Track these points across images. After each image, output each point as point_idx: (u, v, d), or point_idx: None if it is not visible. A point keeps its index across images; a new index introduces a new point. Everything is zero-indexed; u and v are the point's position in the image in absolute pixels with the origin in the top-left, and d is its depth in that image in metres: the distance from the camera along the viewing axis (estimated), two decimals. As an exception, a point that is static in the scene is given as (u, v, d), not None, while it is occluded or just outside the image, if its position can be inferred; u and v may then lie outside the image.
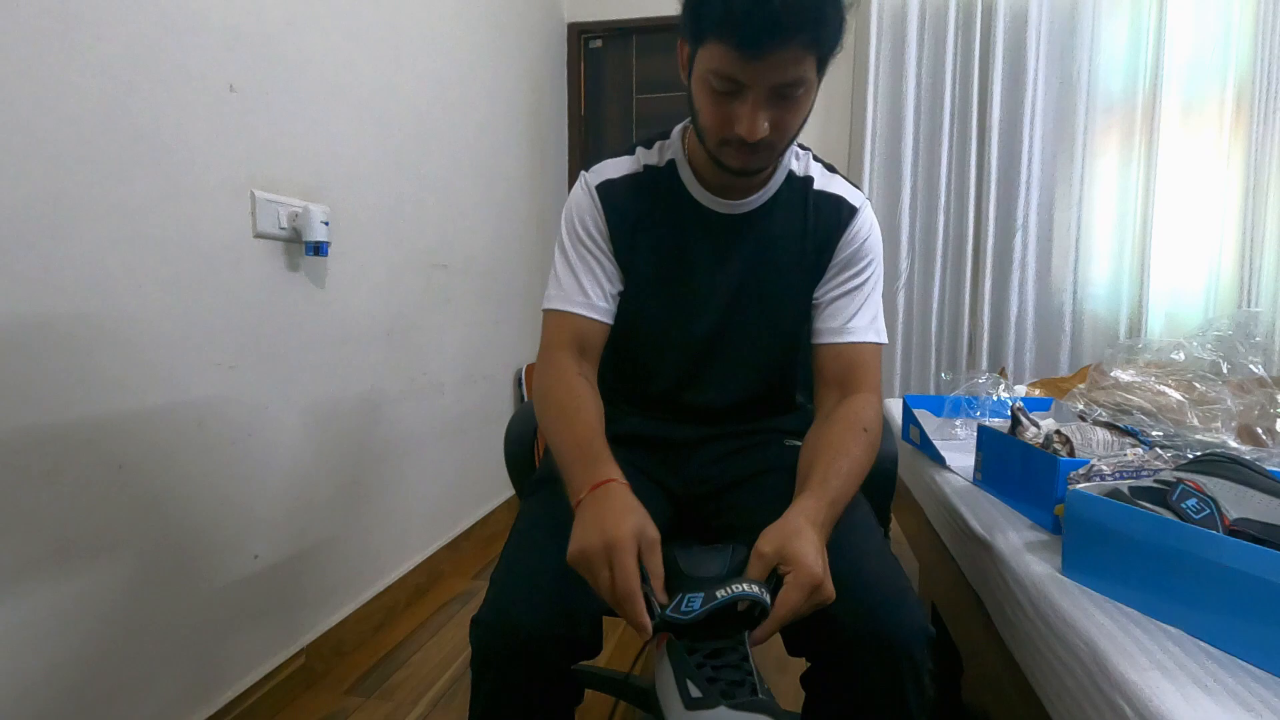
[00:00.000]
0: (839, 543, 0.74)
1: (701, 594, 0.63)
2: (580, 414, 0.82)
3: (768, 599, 0.64)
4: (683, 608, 0.62)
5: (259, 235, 1.29)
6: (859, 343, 0.92)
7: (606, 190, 0.93)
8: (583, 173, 0.96)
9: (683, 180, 0.93)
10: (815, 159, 0.96)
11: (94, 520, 1.00)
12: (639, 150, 0.96)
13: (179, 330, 1.13)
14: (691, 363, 0.97)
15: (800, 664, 0.76)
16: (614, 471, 0.73)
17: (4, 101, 0.87)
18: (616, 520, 0.66)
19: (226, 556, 1.24)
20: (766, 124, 0.76)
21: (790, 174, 0.94)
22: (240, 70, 1.24)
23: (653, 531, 0.67)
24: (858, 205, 0.94)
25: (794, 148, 0.93)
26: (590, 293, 0.91)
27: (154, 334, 1.08)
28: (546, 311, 0.93)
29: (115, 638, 1.04)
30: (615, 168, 0.95)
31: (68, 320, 0.96)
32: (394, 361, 1.76)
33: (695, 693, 0.60)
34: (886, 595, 0.71)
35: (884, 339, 0.95)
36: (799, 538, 0.66)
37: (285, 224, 1.34)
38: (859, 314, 0.93)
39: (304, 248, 1.39)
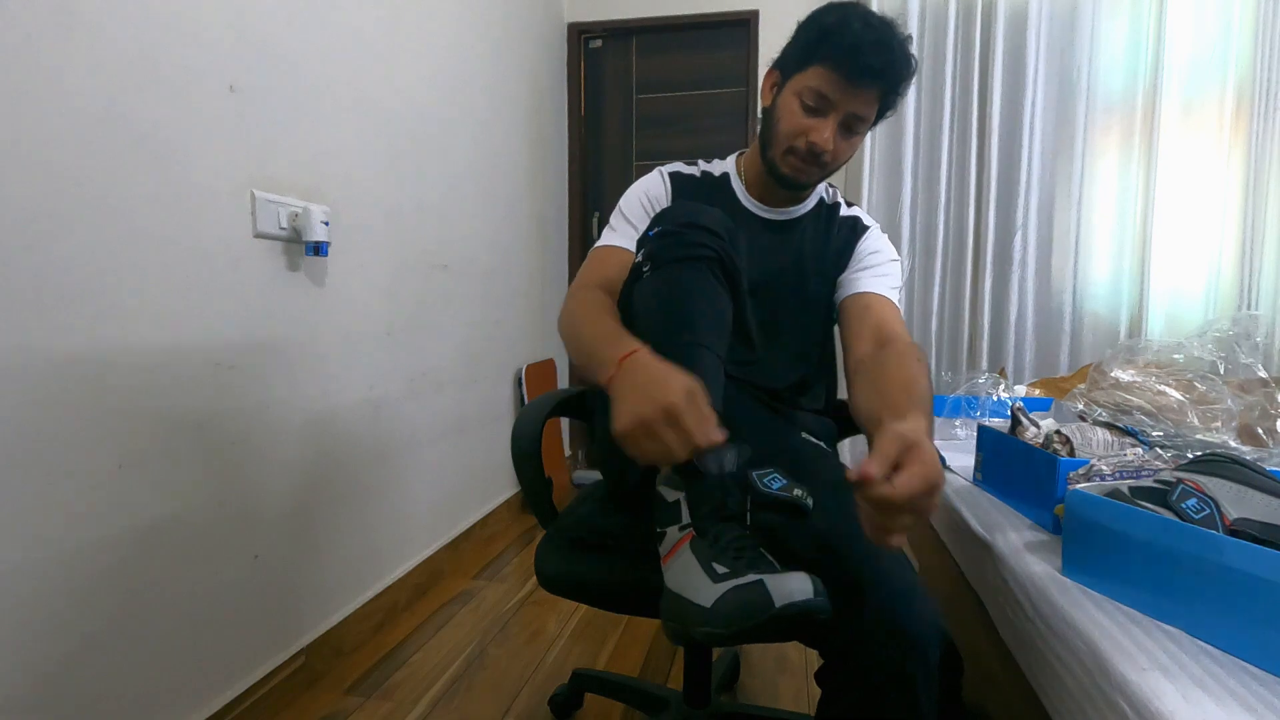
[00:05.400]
0: (852, 539, 0.74)
1: (776, 473, 0.69)
2: (599, 314, 0.86)
3: (809, 502, 0.77)
4: (763, 482, 0.69)
5: (259, 235, 1.29)
6: (883, 296, 1.04)
7: (676, 178, 1.11)
8: (658, 168, 1.13)
9: (734, 187, 1.11)
10: (840, 196, 1.16)
11: (94, 520, 1.00)
12: (691, 163, 1.14)
13: (179, 330, 1.13)
14: (744, 343, 0.99)
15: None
16: (638, 344, 0.74)
17: (4, 102, 0.87)
18: (665, 379, 0.67)
19: (226, 556, 1.24)
20: (832, 141, 0.95)
21: (820, 200, 1.13)
22: (240, 70, 1.24)
23: (696, 383, 0.68)
24: (869, 224, 1.13)
25: (826, 184, 1.13)
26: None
27: (154, 334, 1.08)
28: (592, 251, 1.05)
29: (115, 637, 1.04)
30: (681, 168, 1.12)
31: (67, 320, 0.96)
32: (394, 361, 1.75)
33: (721, 570, 0.64)
34: (900, 591, 0.71)
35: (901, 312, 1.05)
36: (922, 442, 0.63)
37: (285, 224, 1.34)
38: (883, 279, 1.07)
39: (304, 248, 1.39)
